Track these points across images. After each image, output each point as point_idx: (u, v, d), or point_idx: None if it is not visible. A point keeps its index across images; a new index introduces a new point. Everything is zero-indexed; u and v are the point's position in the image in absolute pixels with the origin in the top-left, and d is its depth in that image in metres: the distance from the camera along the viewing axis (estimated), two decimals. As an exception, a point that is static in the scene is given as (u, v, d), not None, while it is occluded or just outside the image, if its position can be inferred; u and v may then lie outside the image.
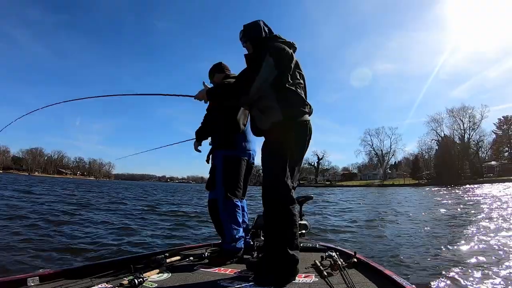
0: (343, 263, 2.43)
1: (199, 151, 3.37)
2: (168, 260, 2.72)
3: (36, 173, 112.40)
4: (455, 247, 5.86)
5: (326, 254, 2.56)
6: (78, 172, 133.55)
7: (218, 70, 3.27)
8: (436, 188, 38.89)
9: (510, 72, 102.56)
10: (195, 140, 3.37)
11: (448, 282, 3.92)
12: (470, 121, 68.99)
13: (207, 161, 3.21)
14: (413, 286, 1.93)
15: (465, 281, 3.93)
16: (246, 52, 2.61)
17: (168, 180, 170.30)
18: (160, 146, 4.09)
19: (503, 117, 70.13)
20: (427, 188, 42.37)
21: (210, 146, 3.25)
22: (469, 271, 4.31)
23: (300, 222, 3.59)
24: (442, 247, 5.85)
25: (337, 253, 2.58)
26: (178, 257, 2.86)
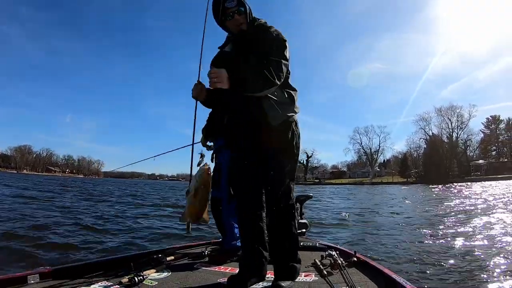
0: (343, 262, 2.45)
1: (208, 146, 3.31)
2: (168, 258, 2.71)
3: (25, 171, 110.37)
4: (450, 244, 6.02)
5: (326, 253, 2.58)
6: (67, 170, 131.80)
7: None
8: (427, 186, 39.49)
9: (498, 74, 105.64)
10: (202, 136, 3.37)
11: (446, 281, 4.00)
12: (458, 120, 70.08)
13: (212, 160, 3.23)
14: (413, 285, 1.95)
15: (462, 280, 4.02)
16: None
17: (158, 178, 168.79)
18: (170, 150, 3.95)
19: (491, 116, 71.59)
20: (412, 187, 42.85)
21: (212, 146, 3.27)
22: (466, 270, 4.41)
23: (300, 221, 3.63)
24: (437, 245, 6.01)
25: (337, 252, 2.59)
26: (178, 255, 2.87)
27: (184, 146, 3.19)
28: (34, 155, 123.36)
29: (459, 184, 42.26)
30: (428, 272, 4.32)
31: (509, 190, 22.87)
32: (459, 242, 6.09)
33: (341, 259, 2.49)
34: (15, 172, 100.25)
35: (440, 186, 39.01)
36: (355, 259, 2.58)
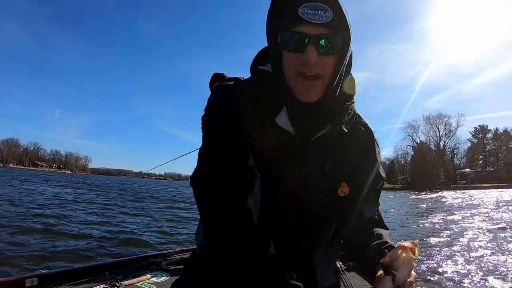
0: (342, 266, 2.42)
1: None
2: (166, 262, 2.68)
3: (11, 164, 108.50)
4: (447, 246, 6.30)
5: (325, 257, 2.56)
6: (54, 165, 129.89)
7: (212, 80, 3.25)
8: (413, 193, 39.91)
9: (482, 86, 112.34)
10: None
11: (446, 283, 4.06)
12: (446, 129, 70.99)
13: None
14: None
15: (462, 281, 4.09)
16: None
17: (145, 176, 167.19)
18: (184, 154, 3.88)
19: (479, 126, 72.67)
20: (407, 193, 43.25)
21: None
22: (465, 271, 4.53)
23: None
24: (436, 247, 6.25)
25: (336, 256, 2.58)
26: (176, 259, 2.84)
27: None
28: (21, 149, 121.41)
29: (446, 191, 42.76)
30: (427, 273, 4.38)
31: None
32: (451, 246, 6.26)
33: (340, 263, 2.46)
34: (2, 165, 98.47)
35: (426, 193, 39.47)
36: None
